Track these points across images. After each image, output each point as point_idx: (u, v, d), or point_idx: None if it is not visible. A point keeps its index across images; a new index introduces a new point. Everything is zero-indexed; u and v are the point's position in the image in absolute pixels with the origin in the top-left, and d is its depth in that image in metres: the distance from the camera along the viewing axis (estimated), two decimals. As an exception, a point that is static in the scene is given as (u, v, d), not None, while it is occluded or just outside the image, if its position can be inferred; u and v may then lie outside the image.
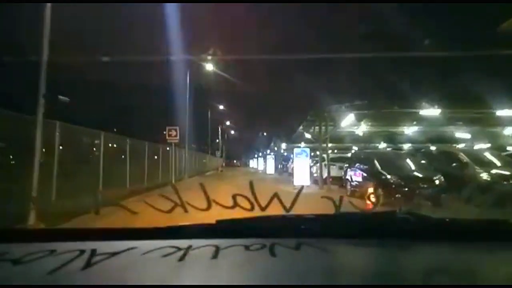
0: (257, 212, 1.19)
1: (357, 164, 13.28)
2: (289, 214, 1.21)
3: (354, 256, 1.08)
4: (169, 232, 1.20)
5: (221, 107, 46.02)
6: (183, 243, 1.08)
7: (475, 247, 1.10)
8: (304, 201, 1.33)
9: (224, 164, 52.56)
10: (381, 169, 11.04)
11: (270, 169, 35.52)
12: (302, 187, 1.55)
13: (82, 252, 1.01)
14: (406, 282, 0.88)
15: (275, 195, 1.20)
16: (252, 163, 67.30)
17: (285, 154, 36.54)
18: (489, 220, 1.31)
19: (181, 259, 0.98)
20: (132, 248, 1.05)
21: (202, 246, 1.07)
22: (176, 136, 16.91)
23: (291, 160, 31.42)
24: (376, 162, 11.48)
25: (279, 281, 0.85)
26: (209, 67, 25.52)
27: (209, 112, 43.90)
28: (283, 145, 33.45)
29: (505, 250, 1.09)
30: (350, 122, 16.17)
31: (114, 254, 1.00)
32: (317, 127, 17.63)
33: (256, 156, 65.54)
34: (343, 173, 14.52)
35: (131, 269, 0.92)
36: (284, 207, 1.20)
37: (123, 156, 13.39)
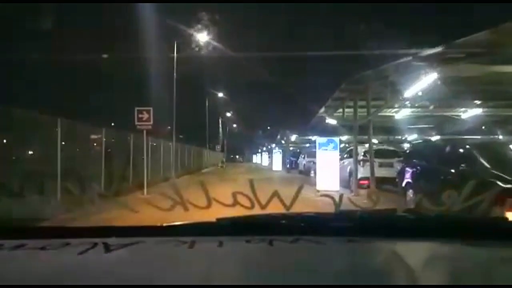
0: (257, 210, 1.18)
1: (417, 161, 8.30)
2: (289, 212, 1.20)
3: (354, 254, 1.06)
4: (169, 230, 1.21)
5: (221, 94, 40.89)
6: (182, 241, 1.08)
7: (476, 245, 1.07)
8: (304, 200, 1.37)
9: (224, 160, 47.55)
10: (494, 169, 5.97)
11: (277, 165, 30.48)
12: (302, 185, 1.38)
13: (95, 244, 1.04)
14: (406, 281, 0.88)
15: (275, 193, 1.19)
16: (256, 158, 62.74)
17: (291, 148, 31.33)
18: (490, 218, 1.31)
19: (179, 259, 0.99)
20: (138, 243, 1.06)
21: (201, 245, 1.06)
22: (148, 120, 11.91)
23: (302, 154, 26.63)
24: (480, 158, 6.39)
25: (279, 280, 0.85)
26: (202, 37, 20.58)
27: (206, 101, 38.91)
28: (293, 137, 28.35)
29: (505, 248, 1.07)
30: (423, 89, 8.87)
31: (124, 246, 1.03)
32: (347, 109, 12.58)
33: (260, 150, 60.90)
34: (396, 174, 9.47)
35: (123, 270, 0.92)
36: (284, 205, 1.19)
37: (50, 148, 8.41)
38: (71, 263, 0.92)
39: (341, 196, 1.29)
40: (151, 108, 12.05)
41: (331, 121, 14.31)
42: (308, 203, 1.31)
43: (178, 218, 1.19)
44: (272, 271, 0.90)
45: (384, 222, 1.24)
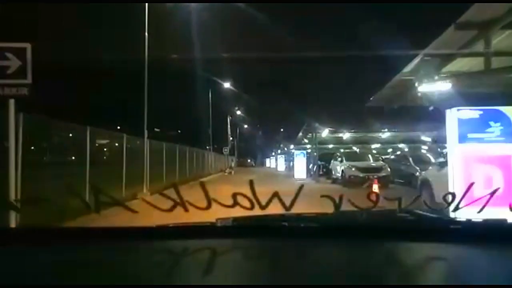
0: (257, 211, 1.14)
1: None
2: (289, 213, 1.17)
3: (354, 255, 1.06)
4: (170, 230, 1.22)
5: (227, 85, 33.61)
6: (182, 242, 1.11)
7: (476, 246, 1.07)
8: (304, 200, 1.30)
9: (233, 165, 40.34)
10: None
11: (300, 171, 22.93)
12: (302, 185, 1.24)
13: (96, 245, 1.06)
14: (406, 281, 0.87)
15: (275, 194, 1.13)
16: (269, 162, 55.46)
17: (305, 149, 23.61)
18: (489, 219, 1.25)
19: (180, 259, 1.00)
20: (128, 249, 1.06)
21: (202, 245, 1.08)
22: (20, 74, 4.85)
23: (338, 157, 19.04)
24: None
25: (278, 281, 0.85)
26: None
27: (209, 93, 31.85)
28: (324, 133, 20.88)
29: (505, 249, 1.06)
30: None
31: (110, 254, 1.02)
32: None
33: (274, 153, 53.60)
34: None
35: (126, 270, 0.92)
36: (284, 206, 1.14)
37: None
38: (73, 263, 0.93)
39: (341, 197, 1.23)
40: (27, 46, 4.92)
41: (434, 88, 6.91)
42: (307, 204, 1.31)
43: (178, 219, 1.19)
44: (272, 271, 0.92)
45: (384, 223, 1.26)
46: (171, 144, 18.16)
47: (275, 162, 45.82)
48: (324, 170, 21.87)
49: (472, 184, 1.18)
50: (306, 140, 25.92)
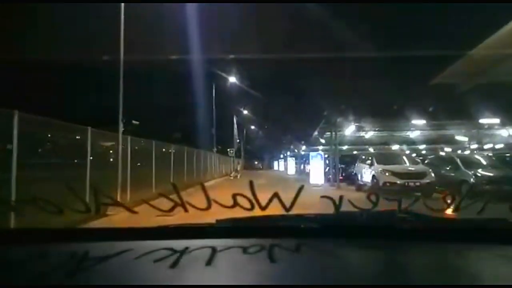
0: (257, 212, 1.16)
1: None
2: (289, 213, 1.18)
3: (354, 256, 1.06)
4: (169, 231, 1.20)
5: (232, 79, 30.46)
6: (182, 243, 1.09)
7: (475, 246, 1.07)
8: (304, 201, 1.29)
9: (239, 168, 37.27)
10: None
11: (316, 177, 19.60)
12: (302, 186, 1.28)
13: (98, 245, 1.06)
14: (406, 282, 0.86)
15: (275, 195, 1.14)
16: (277, 165, 52.47)
17: (318, 150, 20.12)
18: (488, 219, 1.27)
19: (179, 259, 0.98)
20: (128, 250, 1.05)
21: (201, 246, 1.07)
22: None
23: (367, 159, 15.65)
24: None
25: (278, 282, 0.85)
26: None
27: (213, 88, 28.84)
28: (349, 130, 17.67)
29: (504, 249, 1.06)
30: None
31: (110, 255, 1.00)
32: None
33: (282, 156, 50.48)
34: None
35: (126, 271, 0.92)
36: (284, 206, 1.15)
37: None
38: (73, 263, 0.93)
39: (341, 197, 1.24)
40: None
41: None
42: (307, 205, 1.30)
43: (178, 220, 1.18)
44: (272, 272, 0.90)
45: (383, 223, 1.24)
46: (163, 143, 15.12)
47: (284, 165, 42.70)
48: (344, 174, 18.68)
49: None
50: (322, 140, 22.69)
